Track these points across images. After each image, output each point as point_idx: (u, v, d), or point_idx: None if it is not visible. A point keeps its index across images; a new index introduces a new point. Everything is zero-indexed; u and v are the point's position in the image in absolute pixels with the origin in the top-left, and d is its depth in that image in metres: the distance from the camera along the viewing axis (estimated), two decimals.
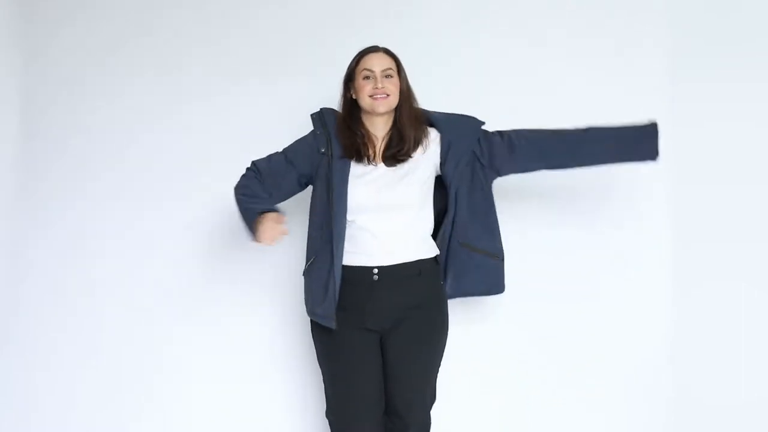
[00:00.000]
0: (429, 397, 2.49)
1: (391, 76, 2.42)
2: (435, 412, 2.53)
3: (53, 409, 3.05)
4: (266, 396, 3.00)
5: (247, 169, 2.51)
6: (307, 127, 2.51)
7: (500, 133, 2.49)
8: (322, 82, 2.96)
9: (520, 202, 2.93)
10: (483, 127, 2.50)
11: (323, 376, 2.46)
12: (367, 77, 2.40)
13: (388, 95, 2.40)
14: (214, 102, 3.04)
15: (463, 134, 2.47)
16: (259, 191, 2.44)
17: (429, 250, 2.46)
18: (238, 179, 2.48)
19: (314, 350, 2.59)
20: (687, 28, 2.89)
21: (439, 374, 2.51)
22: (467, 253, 2.47)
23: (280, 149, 2.53)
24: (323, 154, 2.45)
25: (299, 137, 2.54)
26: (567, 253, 2.92)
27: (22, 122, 3.11)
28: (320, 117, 2.52)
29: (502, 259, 2.52)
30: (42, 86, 3.12)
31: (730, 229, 2.84)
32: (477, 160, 2.47)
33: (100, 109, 3.09)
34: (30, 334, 3.08)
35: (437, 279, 2.47)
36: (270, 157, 2.51)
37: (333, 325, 2.35)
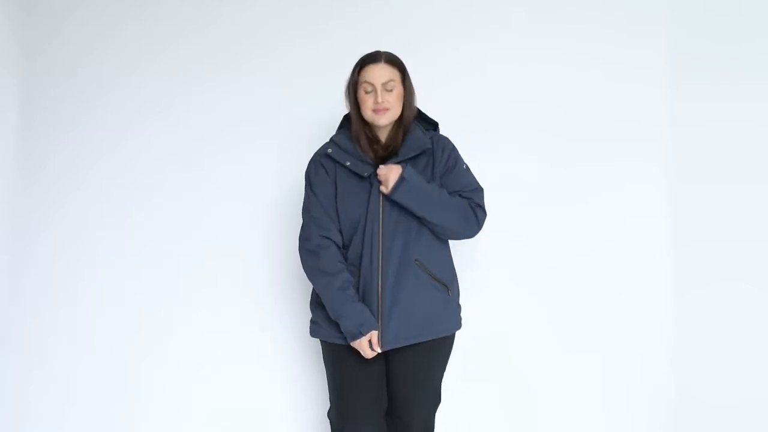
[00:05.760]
0: (432, 398, 2.47)
1: (392, 90, 2.38)
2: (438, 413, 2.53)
3: (51, 406, 3.05)
4: (267, 395, 3.00)
5: (318, 246, 2.38)
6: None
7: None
8: (317, 77, 2.99)
9: (520, 202, 2.94)
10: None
11: (327, 376, 2.47)
12: (368, 91, 2.37)
13: (388, 109, 2.38)
14: (215, 98, 3.04)
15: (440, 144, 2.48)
16: (340, 269, 2.36)
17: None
18: (310, 258, 2.39)
19: (314, 350, 2.59)
20: (687, 28, 2.89)
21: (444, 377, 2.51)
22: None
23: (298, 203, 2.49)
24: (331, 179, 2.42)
25: (304, 187, 2.48)
26: (567, 253, 2.92)
27: (22, 120, 3.12)
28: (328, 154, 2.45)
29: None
30: (41, 85, 3.13)
31: (730, 229, 2.84)
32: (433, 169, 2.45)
33: (100, 106, 3.09)
34: (28, 332, 3.08)
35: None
36: (314, 219, 2.41)
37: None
